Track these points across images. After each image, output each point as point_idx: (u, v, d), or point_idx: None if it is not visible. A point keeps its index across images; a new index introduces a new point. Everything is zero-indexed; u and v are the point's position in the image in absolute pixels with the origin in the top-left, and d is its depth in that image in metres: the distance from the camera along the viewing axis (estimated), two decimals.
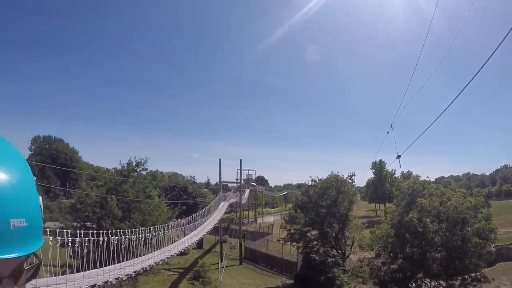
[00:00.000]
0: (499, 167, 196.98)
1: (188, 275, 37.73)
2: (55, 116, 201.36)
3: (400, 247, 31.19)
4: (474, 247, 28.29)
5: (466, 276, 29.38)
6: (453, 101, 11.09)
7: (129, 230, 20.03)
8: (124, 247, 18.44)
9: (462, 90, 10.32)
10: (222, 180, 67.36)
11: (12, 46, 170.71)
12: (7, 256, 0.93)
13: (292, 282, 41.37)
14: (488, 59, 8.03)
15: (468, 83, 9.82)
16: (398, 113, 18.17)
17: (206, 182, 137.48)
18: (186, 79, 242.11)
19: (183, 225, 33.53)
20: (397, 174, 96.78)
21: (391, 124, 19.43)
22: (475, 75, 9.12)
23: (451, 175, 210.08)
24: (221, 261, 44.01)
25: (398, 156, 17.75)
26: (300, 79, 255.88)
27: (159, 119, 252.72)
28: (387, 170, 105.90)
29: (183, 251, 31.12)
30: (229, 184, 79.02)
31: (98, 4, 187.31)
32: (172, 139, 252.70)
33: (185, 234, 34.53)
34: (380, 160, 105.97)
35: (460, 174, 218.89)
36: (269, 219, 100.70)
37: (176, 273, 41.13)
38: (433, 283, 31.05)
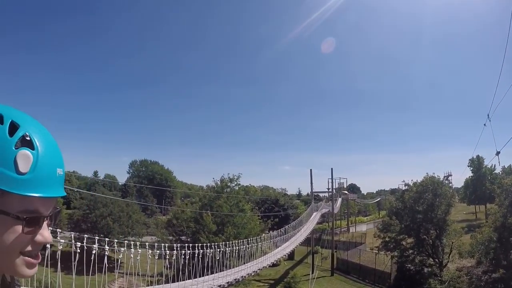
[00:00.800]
0: None
1: (278, 286, 38.52)
2: (149, 140, 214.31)
3: (503, 253, 29.38)
4: None
5: None
6: None
7: (223, 243, 21.28)
8: (218, 259, 19.68)
9: None
10: (313, 191, 67.66)
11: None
12: (55, 195, 1.29)
13: None
14: None
15: None
16: (495, 102, 17.13)
17: (297, 193, 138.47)
18: (270, 95, 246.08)
19: (275, 237, 34.38)
20: (498, 170, 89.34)
21: (488, 115, 18.41)
22: None
23: None
24: (312, 272, 44.29)
25: (498, 153, 16.73)
26: (380, 78, 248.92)
27: (248, 135, 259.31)
28: (486, 166, 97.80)
29: (274, 262, 31.95)
30: (321, 194, 78.66)
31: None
32: (264, 154, 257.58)
33: (276, 246, 35.37)
34: (478, 156, 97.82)
35: None
36: (362, 228, 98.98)
37: (266, 284, 42.14)
38: None
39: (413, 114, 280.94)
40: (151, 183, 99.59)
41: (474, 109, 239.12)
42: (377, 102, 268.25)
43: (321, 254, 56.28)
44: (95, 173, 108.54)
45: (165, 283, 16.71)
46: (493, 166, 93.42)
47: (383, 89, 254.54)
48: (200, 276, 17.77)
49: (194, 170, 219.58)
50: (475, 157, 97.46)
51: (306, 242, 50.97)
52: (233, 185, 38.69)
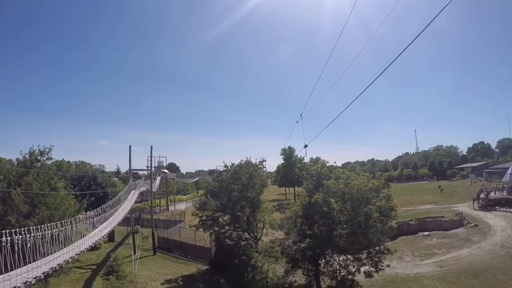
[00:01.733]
0: (401, 154, 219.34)
1: (102, 271, 36.57)
2: None
3: (309, 226, 32.61)
4: (376, 223, 30.41)
5: (371, 250, 31.53)
6: (355, 99, 11.84)
7: (35, 227, 18.91)
8: (30, 246, 17.43)
9: (364, 90, 11.10)
10: (132, 168, 65.23)
11: None
12: None
13: (207, 267, 41.78)
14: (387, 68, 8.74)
15: (372, 82, 10.57)
16: (308, 105, 19.10)
17: (116, 170, 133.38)
18: (98, 60, 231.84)
19: (92, 218, 32.13)
20: (306, 160, 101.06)
21: (301, 114, 20.41)
22: (380, 74, 9.86)
23: (356, 161, 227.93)
24: (134, 253, 43.19)
25: (305, 146, 19.29)
26: (212, 67, 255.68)
27: (63, 104, 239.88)
28: (296, 156, 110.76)
29: (93, 245, 30.12)
30: (140, 172, 76.92)
31: None
32: (79, 126, 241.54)
33: (94, 227, 33.20)
34: (290, 147, 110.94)
35: (365, 160, 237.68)
36: (181, 206, 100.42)
37: (88, 270, 39.72)
38: (341, 258, 32.92)
39: (236, 102, 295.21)
40: None
41: (290, 107, 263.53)
42: (203, 87, 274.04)
43: (142, 233, 55.31)
44: None
45: None
46: (302, 156, 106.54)
47: (212, 77, 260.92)
48: (12, 269, 15.60)
49: (2, 141, 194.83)
50: (287, 147, 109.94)
51: (126, 222, 49.33)
52: (44, 159, 34.64)
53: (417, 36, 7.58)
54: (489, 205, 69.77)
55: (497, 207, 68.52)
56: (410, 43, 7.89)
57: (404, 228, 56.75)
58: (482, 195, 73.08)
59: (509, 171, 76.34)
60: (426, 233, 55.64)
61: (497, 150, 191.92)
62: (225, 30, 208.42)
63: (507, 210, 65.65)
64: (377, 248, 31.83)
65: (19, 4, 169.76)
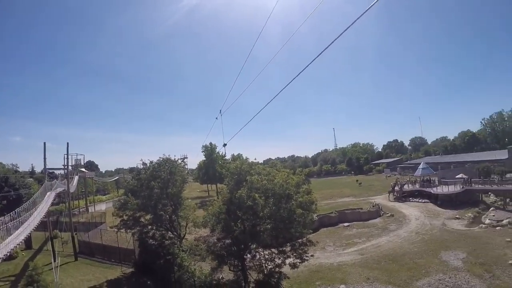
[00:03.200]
0: (320, 151, 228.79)
1: (21, 282, 34.43)
2: None
3: (233, 222, 33.05)
4: (299, 217, 31.42)
5: (294, 242, 32.61)
6: (273, 98, 12.29)
7: None
8: None
9: (279, 92, 11.57)
10: (47, 167, 61.79)
11: None
12: None
13: (133, 270, 40.87)
14: (293, 78, 9.16)
15: (286, 86, 11.03)
16: (227, 101, 19.49)
17: (31, 170, 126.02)
18: (11, 48, 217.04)
19: (6, 223, 30.21)
20: (228, 157, 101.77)
21: (220, 110, 20.72)
22: (297, 75, 10.35)
23: (277, 157, 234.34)
24: (55, 260, 41.11)
25: (224, 145, 19.89)
26: (134, 60, 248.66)
27: None
28: (218, 153, 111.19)
29: (9, 254, 28.40)
30: (56, 172, 73.79)
31: None
32: None
33: (9, 234, 31.21)
34: (211, 143, 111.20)
35: (286, 156, 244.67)
36: (102, 207, 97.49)
37: (7, 282, 37.29)
38: (266, 252, 33.72)
39: (159, 99, 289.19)
40: None
41: (212, 104, 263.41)
42: (122, 80, 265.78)
43: (61, 238, 52.90)
44: None
45: None
46: (224, 153, 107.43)
47: (134, 72, 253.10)
48: None
49: None
50: (208, 144, 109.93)
51: (43, 226, 47.03)
52: None
53: (336, 39, 8.00)
54: (403, 197, 75.70)
55: (410, 198, 74.37)
56: (329, 45, 8.32)
57: (325, 220, 59.25)
58: (396, 188, 79.54)
59: (420, 166, 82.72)
60: (346, 224, 58.42)
61: (409, 147, 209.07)
62: (138, 24, 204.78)
63: (419, 200, 71.50)
64: (300, 240, 32.95)
65: None
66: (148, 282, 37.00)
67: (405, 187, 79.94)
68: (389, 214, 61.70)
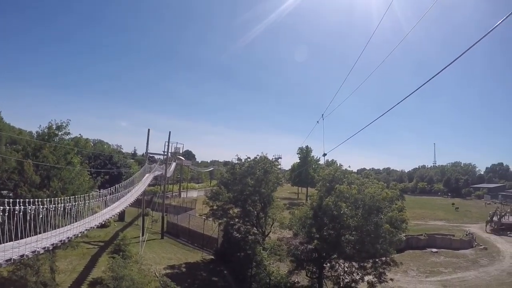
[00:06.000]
0: (418, 166, 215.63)
1: (108, 248, 37.11)
2: None
3: (317, 228, 32.52)
4: (386, 233, 30.10)
5: (377, 259, 31.35)
6: (385, 112, 11.71)
7: (48, 199, 19.13)
8: (42, 218, 17.65)
9: (396, 105, 10.95)
10: (149, 151, 65.98)
11: None
12: None
13: (212, 257, 42.02)
14: (431, 79, 8.58)
15: (406, 98, 10.35)
16: (332, 107, 19.08)
17: (133, 152, 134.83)
18: (118, 40, 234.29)
19: (105, 196, 32.46)
20: (322, 161, 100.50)
21: (322, 115, 20.35)
22: (417, 89, 9.74)
23: (372, 168, 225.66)
24: (143, 235, 43.68)
25: (324, 155, 19.44)
26: (239, 58, 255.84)
27: (86, 80, 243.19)
28: (312, 156, 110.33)
29: (103, 223, 30.34)
30: (156, 156, 77.36)
31: None
32: (100, 104, 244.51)
33: (106, 206, 33.51)
34: (307, 146, 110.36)
35: (381, 168, 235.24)
36: (193, 194, 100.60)
37: (96, 246, 40.35)
38: (346, 264, 32.82)
39: (258, 95, 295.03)
40: None
41: (310, 106, 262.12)
42: (224, 77, 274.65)
43: (152, 216, 55.70)
44: None
45: None
46: (318, 157, 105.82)
47: (233, 67, 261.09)
48: (22, 238, 15.85)
49: (27, 114, 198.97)
50: (304, 146, 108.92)
51: (137, 203, 49.80)
52: (61, 133, 34.87)
53: (462, 53, 7.39)
54: (501, 229, 68.90)
55: (509, 232, 67.60)
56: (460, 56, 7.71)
57: (412, 242, 56.31)
58: (495, 218, 72.20)
59: None
60: (434, 250, 55.21)
61: None
62: (245, 22, 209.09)
63: None
64: (383, 258, 31.67)
65: None
66: (225, 272, 37.74)
67: (505, 218, 72.98)
68: (482, 247, 57.02)
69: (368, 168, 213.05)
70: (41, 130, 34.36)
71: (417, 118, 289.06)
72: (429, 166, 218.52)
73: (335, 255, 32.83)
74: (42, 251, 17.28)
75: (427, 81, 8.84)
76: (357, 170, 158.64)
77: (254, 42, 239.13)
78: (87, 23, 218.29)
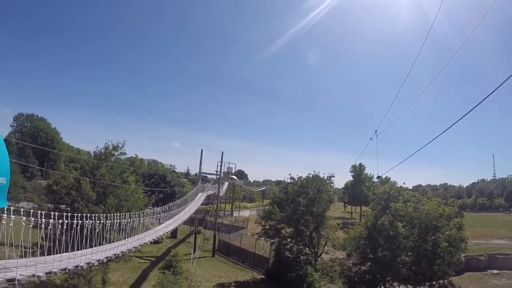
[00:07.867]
0: (476, 181, 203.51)
1: (160, 264, 37.76)
2: (39, 93, 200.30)
3: (372, 249, 31.73)
4: (444, 253, 28.90)
5: (434, 283, 30.05)
6: (450, 126, 11.34)
7: (104, 214, 19.85)
8: (98, 232, 18.27)
9: (463, 116, 10.59)
10: (202, 171, 67.39)
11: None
12: None
13: (263, 277, 41.71)
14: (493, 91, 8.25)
15: (472, 109, 9.90)
16: (384, 122, 18.75)
17: (186, 172, 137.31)
18: (169, 65, 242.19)
19: (159, 213, 33.35)
20: (375, 179, 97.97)
21: (376, 131, 20.04)
22: (478, 104, 9.38)
23: (428, 184, 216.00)
24: (194, 252, 44.16)
25: (378, 177, 19.09)
26: (282, 77, 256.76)
27: (141, 104, 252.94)
28: (366, 174, 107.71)
29: (156, 239, 31.01)
30: (209, 176, 78.73)
31: None
32: (154, 126, 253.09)
33: (160, 223, 34.40)
34: (360, 164, 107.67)
35: (438, 184, 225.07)
36: (245, 213, 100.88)
37: (147, 261, 41.16)
38: (401, 287, 31.68)
39: (307, 115, 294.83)
40: (35, 142, 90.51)
41: (362, 123, 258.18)
42: (276, 99, 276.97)
43: (204, 234, 56.32)
44: None
45: (40, 255, 15.04)
46: (371, 174, 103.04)
47: (285, 89, 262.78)
48: (78, 249, 16.43)
49: (85, 135, 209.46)
50: (357, 164, 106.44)
51: (190, 221, 50.53)
52: (117, 153, 36.43)
53: None
54: None
55: None
56: None
57: (472, 263, 53.49)
58: None
59: None
60: (496, 271, 52.33)
61: None
62: (291, 39, 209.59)
63: None
64: (441, 281, 30.33)
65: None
66: None
67: None
68: None
69: (424, 185, 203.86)
70: (98, 150, 36.09)
71: (474, 128, 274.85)
72: (488, 180, 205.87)
73: (389, 277, 31.76)
74: (96, 263, 17.82)
75: (490, 94, 8.41)
76: (413, 187, 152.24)
77: (299, 60, 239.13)
78: (138, 52, 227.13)
